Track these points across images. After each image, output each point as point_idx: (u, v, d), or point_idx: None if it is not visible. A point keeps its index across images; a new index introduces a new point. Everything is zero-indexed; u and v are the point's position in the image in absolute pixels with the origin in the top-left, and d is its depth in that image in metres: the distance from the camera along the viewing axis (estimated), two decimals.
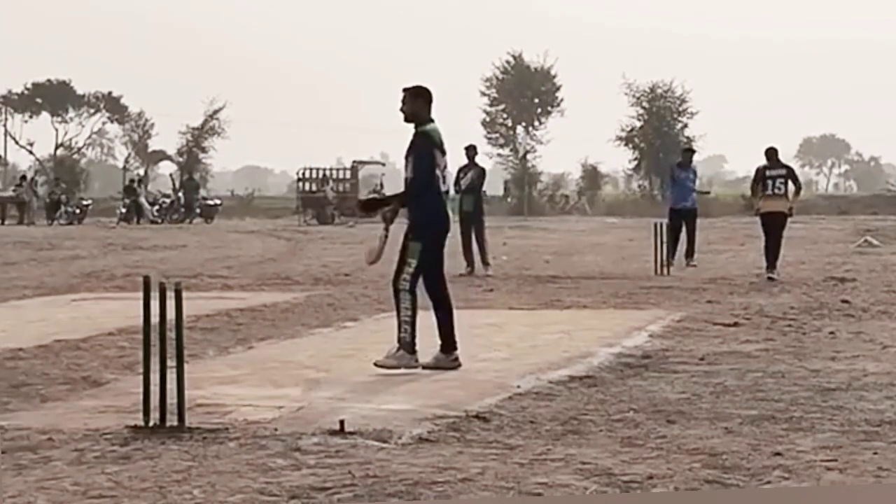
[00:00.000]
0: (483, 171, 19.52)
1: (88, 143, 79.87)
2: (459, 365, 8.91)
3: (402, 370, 8.66)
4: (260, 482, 5.49)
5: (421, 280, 8.93)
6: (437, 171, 8.94)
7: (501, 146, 59.68)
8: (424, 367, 8.79)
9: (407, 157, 9.06)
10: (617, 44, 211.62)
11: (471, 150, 19.54)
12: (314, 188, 46.86)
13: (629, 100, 60.52)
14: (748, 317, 12.20)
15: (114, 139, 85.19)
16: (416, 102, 9.01)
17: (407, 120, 9.03)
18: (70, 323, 11.96)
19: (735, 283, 16.32)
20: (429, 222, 8.96)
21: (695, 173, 21.49)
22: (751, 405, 7.37)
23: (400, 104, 9.05)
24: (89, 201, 49.31)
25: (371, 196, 10.14)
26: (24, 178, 51.19)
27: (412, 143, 9.02)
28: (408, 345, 8.75)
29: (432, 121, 9.05)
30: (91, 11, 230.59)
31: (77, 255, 24.35)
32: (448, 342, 8.99)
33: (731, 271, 18.39)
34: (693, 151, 23.43)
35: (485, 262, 18.46)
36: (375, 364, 8.69)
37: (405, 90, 9.04)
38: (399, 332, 8.80)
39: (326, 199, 45.24)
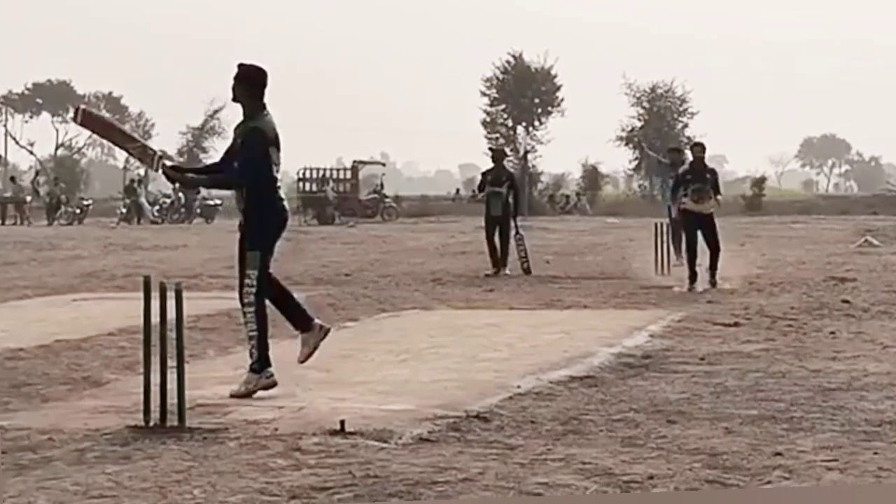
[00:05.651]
0: (511, 175, 19.56)
1: (89, 143, 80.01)
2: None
3: (259, 391, 7.81)
4: (260, 482, 5.49)
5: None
6: (274, 168, 7.93)
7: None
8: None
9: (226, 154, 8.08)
10: (617, 44, 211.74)
11: (498, 154, 19.64)
12: (314, 188, 46.87)
13: (630, 100, 60.70)
14: (748, 317, 12.20)
15: None
16: (240, 87, 7.90)
17: (235, 100, 7.99)
18: (71, 323, 11.96)
19: (735, 282, 16.30)
20: (266, 227, 8.02)
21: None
22: (751, 405, 7.37)
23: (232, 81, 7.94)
24: (90, 201, 49.30)
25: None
26: (37, 173, 51.49)
27: (242, 138, 7.89)
28: (257, 362, 7.86)
29: (264, 107, 7.92)
30: (91, 11, 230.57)
31: (78, 255, 24.35)
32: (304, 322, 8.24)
33: (731, 271, 18.38)
34: (676, 150, 23.41)
35: (503, 264, 18.48)
36: (232, 395, 7.74)
37: (238, 66, 7.93)
38: (249, 348, 7.96)
39: (327, 199, 45.26)
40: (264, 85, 7.93)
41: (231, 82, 7.91)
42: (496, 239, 18.60)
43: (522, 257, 18.60)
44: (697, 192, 16.11)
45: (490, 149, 19.06)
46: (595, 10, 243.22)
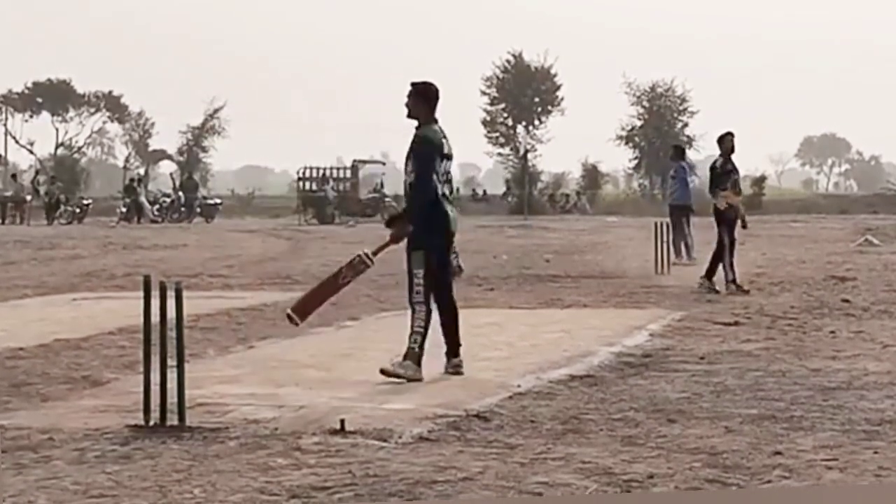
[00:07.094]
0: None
1: (89, 142, 79.96)
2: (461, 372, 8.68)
3: (406, 381, 8.30)
4: (260, 481, 5.49)
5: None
6: (435, 175, 8.49)
7: (502, 145, 59.63)
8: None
9: (407, 160, 8.67)
10: (617, 44, 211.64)
11: None
12: (314, 187, 46.81)
13: (629, 99, 60.62)
14: (748, 316, 12.20)
15: (114, 138, 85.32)
16: (417, 102, 8.63)
17: (410, 116, 8.68)
18: (70, 322, 11.96)
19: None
20: (428, 228, 8.54)
21: (682, 169, 21.36)
22: (751, 404, 7.37)
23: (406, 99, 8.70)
24: (89, 201, 49.19)
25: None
26: (37, 172, 51.50)
27: (411, 145, 8.64)
28: (415, 356, 8.37)
29: (435, 121, 8.62)
30: (92, 10, 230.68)
31: (77, 254, 24.34)
32: (452, 348, 8.77)
33: None
34: (676, 148, 23.47)
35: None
36: (381, 371, 8.36)
37: (411, 85, 8.69)
38: (409, 342, 8.43)
39: (327, 199, 45.21)
40: (438, 98, 8.63)
41: (406, 100, 8.58)
42: None
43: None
44: (736, 185, 15.24)
45: None
46: (595, 10, 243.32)
